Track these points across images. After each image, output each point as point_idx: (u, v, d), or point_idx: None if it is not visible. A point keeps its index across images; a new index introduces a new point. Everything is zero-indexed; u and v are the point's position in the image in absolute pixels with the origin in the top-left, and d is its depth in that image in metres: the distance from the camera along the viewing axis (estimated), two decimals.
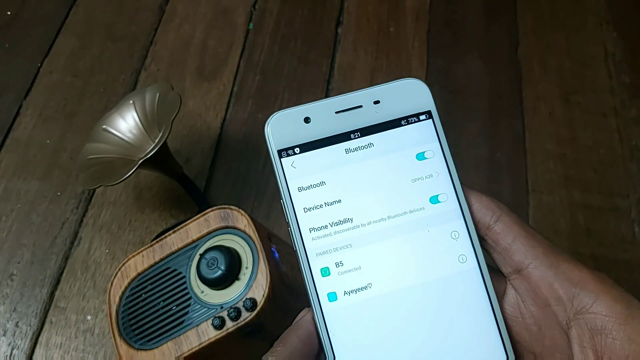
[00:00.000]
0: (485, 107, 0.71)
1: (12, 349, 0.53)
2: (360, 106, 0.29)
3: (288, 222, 0.28)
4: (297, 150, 0.28)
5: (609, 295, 0.25)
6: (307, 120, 0.28)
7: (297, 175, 0.28)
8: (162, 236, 0.40)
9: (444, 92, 0.72)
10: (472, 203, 0.28)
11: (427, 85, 0.29)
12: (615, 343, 0.24)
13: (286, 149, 0.28)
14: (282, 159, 0.28)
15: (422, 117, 0.29)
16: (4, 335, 0.54)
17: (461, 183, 0.29)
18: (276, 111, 0.29)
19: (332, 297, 0.27)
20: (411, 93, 0.29)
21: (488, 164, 0.67)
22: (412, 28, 0.77)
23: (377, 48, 0.75)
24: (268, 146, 0.28)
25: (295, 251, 0.27)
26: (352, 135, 0.28)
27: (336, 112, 0.28)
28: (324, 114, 0.28)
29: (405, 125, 0.29)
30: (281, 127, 0.28)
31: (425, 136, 0.29)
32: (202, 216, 0.40)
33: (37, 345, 0.53)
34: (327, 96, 0.70)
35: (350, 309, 0.27)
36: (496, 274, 0.29)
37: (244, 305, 0.37)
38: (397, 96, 0.29)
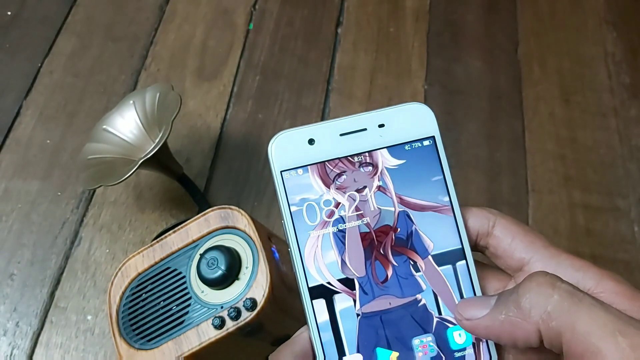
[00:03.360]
0: (485, 107, 0.72)
1: (13, 349, 0.53)
2: (365, 129, 0.28)
3: (288, 243, 0.27)
4: (300, 171, 0.28)
5: (612, 278, 0.26)
6: (311, 141, 0.28)
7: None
8: (163, 236, 0.40)
9: (443, 92, 0.72)
10: (468, 218, 0.29)
11: (431, 110, 0.29)
12: None
13: (289, 170, 0.28)
14: (284, 180, 0.28)
15: (426, 142, 0.29)
16: (4, 335, 0.54)
17: (460, 206, 0.29)
18: (280, 131, 0.28)
19: None
20: (416, 117, 0.29)
21: (488, 163, 0.67)
22: (412, 28, 0.77)
23: (377, 48, 0.75)
24: (271, 166, 0.28)
25: (295, 272, 0.27)
26: (355, 159, 0.28)
27: (340, 135, 0.28)
28: (329, 135, 0.28)
29: (408, 150, 0.29)
30: (285, 148, 0.28)
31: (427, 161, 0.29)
32: (202, 216, 0.40)
33: (38, 345, 0.53)
34: (327, 96, 0.70)
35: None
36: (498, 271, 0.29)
37: (244, 305, 0.37)
38: (402, 120, 0.29)
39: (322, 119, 0.69)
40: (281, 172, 0.28)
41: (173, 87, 0.56)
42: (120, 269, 0.40)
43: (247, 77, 0.71)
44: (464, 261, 0.28)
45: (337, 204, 0.28)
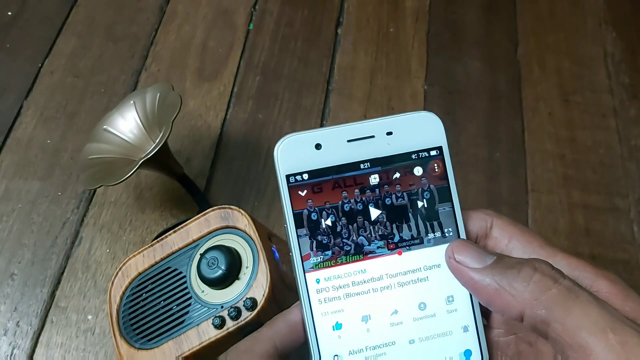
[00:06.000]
0: (485, 107, 0.72)
1: (13, 349, 0.53)
2: (373, 136, 0.28)
3: (291, 247, 0.27)
4: (305, 176, 0.28)
5: (607, 277, 0.26)
6: (318, 146, 0.28)
7: None
8: (163, 236, 0.41)
9: (443, 92, 0.72)
10: (466, 221, 0.29)
11: (440, 119, 0.29)
12: None
13: (294, 174, 0.27)
14: (289, 184, 0.27)
15: (433, 152, 0.28)
16: (5, 334, 0.54)
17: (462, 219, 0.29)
18: (287, 134, 0.28)
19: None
20: (424, 126, 0.29)
21: (487, 164, 0.67)
22: (411, 28, 0.77)
23: (377, 48, 0.75)
24: (276, 170, 0.27)
25: (295, 276, 0.27)
26: (361, 166, 0.28)
27: (348, 141, 0.28)
28: (336, 141, 0.28)
29: (415, 159, 0.28)
30: (291, 152, 0.27)
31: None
32: (202, 216, 0.40)
33: (38, 345, 0.54)
34: (327, 96, 0.70)
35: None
36: None
37: (244, 305, 0.37)
38: (410, 129, 0.28)
39: (322, 119, 0.69)
40: (286, 176, 0.27)
41: (173, 87, 0.56)
42: (120, 268, 0.40)
43: (247, 77, 0.71)
44: None
45: (341, 210, 0.28)
